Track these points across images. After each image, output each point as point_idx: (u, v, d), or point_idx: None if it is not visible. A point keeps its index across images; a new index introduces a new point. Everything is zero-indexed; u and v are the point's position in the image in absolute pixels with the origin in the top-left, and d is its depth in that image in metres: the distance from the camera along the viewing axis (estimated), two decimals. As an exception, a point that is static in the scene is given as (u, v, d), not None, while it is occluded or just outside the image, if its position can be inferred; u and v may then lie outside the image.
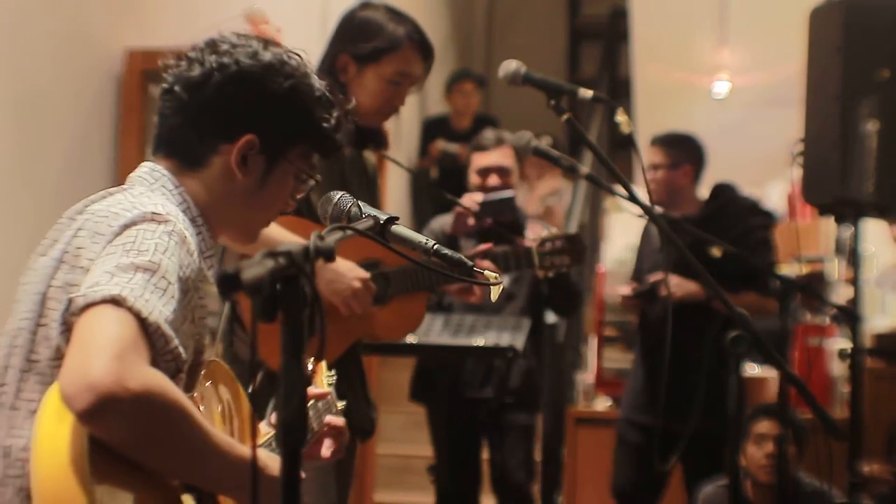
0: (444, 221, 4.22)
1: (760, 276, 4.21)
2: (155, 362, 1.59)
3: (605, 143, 8.03)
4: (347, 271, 2.81)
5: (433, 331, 3.95)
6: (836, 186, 3.15)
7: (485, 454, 4.46)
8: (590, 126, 7.73)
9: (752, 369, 5.26)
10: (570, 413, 5.32)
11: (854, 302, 3.29)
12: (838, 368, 5.07)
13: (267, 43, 1.88)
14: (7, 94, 3.25)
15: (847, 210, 3.22)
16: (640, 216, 2.95)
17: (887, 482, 4.48)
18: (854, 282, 3.33)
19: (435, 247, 1.88)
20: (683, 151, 4.50)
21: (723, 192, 4.52)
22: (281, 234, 2.62)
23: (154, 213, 1.71)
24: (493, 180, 4.16)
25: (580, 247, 3.27)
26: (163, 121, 1.87)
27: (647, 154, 4.53)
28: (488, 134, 4.30)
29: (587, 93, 2.75)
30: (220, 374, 1.93)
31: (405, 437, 6.32)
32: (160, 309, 1.59)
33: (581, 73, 10.14)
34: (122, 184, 1.87)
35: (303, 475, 1.50)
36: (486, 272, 1.93)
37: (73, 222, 1.75)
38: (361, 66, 2.95)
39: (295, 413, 1.45)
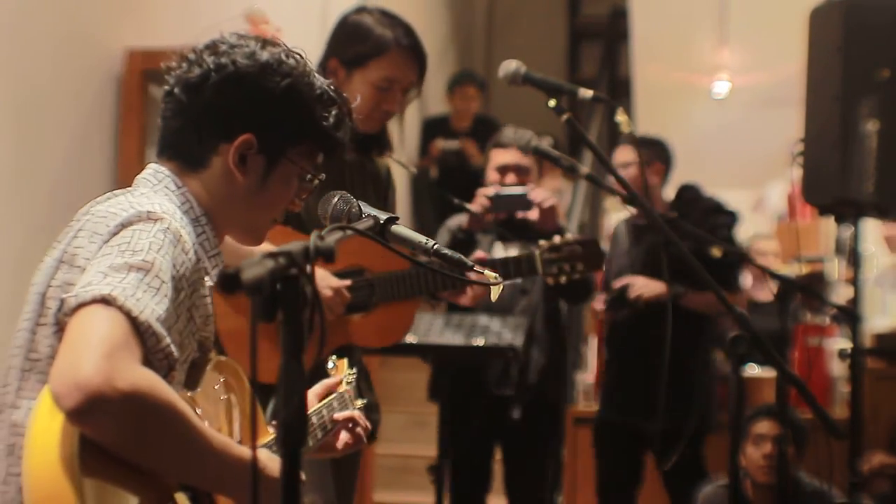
0: (460, 219, 4.22)
1: (728, 274, 4.28)
2: (147, 361, 1.59)
3: (605, 143, 8.03)
4: (319, 280, 2.79)
5: (433, 331, 3.94)
6: (836, 186, 3.15)
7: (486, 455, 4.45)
8: (590, 126, 7.74)
9: (752, 369, 5.26)
10: (570, 413, 5.32)
11: (854, 302, 3.29)
12: (838, 368, 5.07)
13: (266, 43, 1.88)
14: (7, 94, 3.25)
15: (847, 210, 3.22)
16: (641, 215, 2.96)
17: (891, 476, 4.48)
18: (854, 282, 3.33)
19: (435, 247, 1.88)
20: (654, 150, 4.59)
21: (687, 193, 4.60)
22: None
23: (149, 211, 1.72)
24: (511, 178, 4.14)
25: (596, 253, 3.22)
26: (165, 123, 1.88)
27: (617, 154, 4.63)
28: (508, 131, 4.28)
29: (587, 93, 2.75)
30: (230, 372, 1.93)
31: (405, 437, 6.32)
32: (152, 308, 1.60)
33: (581, 73, 10.15)
34: (122, 183, 1.87)
35: (303, 477, 1.50)
36: (486, 272, 1.93)
37: (77, 223, 1.76)
38: (350, 70, 2.93)
39: (295, 413, 1.45)
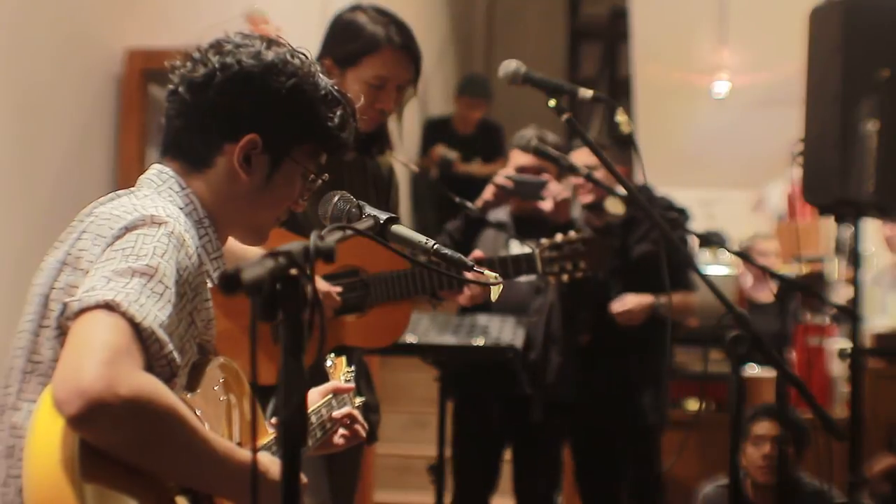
0: (460, 221, 4.22)
1: (682, 273, 4.23)
2: (149, 367, 1.58)
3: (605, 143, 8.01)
4: None
5: (433, 331, 3.94)
6: (836, 186, 3.15)
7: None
8: (590, 126, 7.74)
9: (752, 369, 5.26)
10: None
11: (854, 302, 3.29)
12: (838, 368, 5.07)
13: (271, 42, 1.87)
14: (7, 93, 3.25)
15: (847, 210, 3.22)
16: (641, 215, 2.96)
17: (891, 476, 4.48)
18: (854, 282, 3.33)
19: (435, 246, 1.88)
20: (612, 152, 4.54)
21: (642, 193, 4.56)
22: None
23: (153, 215, 1.71)
24: None
25: (600, 250, 3.21)
26: (169, 123, 1.87)
27: (579, 156, 4.55)
28: (528, 133, 4.27)
29: (587, 93, 2.75)
30: (230, 374, 1.93)
31: (405, 437, 6.32)
32: (155, 314, 1.59)
33: (581, 73, 10.15)
34: (122, 183, 1.87)
35: (303, 479, 1.50)
36: (485, 272, 1.93)
37: (80, 224, 1.76)
38: (342, 69, 2.91)
39: (295, 413, 1.45)
